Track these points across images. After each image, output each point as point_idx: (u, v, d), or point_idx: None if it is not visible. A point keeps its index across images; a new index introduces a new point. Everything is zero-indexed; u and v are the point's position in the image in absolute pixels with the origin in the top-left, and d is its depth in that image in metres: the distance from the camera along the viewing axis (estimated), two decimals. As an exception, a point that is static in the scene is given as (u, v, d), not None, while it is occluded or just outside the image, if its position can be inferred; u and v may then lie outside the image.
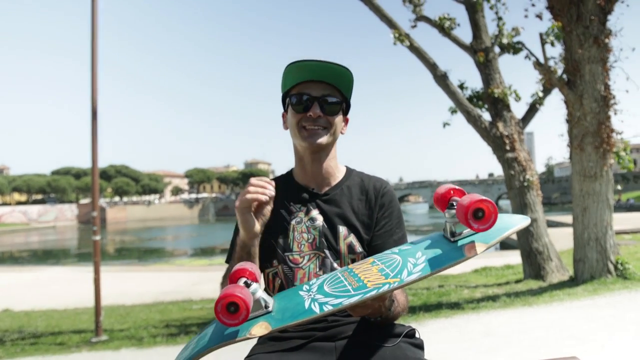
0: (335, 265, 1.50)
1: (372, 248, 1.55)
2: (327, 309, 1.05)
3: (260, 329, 1.04)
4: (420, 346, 1.50)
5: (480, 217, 1.01)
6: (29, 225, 78.75)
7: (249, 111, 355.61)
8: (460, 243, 1.07)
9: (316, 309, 1.05)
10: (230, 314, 1.01)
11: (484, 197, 1.02)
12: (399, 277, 1.06)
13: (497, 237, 1.03)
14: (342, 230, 1.53)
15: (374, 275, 1.10)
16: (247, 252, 1.40)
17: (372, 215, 1.58)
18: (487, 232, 1.04)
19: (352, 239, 1.53)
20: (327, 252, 1.50)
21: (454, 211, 1.07)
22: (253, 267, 1.12)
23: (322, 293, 1.10)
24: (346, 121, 1.66)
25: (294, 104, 1.55)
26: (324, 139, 1.54)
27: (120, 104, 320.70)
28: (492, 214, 1.01)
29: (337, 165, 1.66)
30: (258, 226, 1.39)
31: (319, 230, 1.53)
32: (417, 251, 1.10)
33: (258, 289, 1.07)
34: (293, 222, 1.56)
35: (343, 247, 1.51)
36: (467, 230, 1.09)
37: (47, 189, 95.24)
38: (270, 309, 1.08)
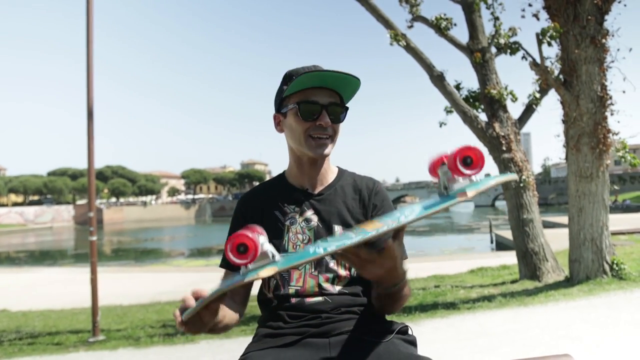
0: (331, 264, 1.50)
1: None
2: (331, 248, 1.07)
3: (268, 271, 1.05)
4: (413, 342, 1.51)
5: (470, 162, 1.05)
6: (25, 226, 78.50)
7: (246, 112, 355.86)
8: (452, 193, 1.10)
9: (320, 250, 1.07)
10: (239, 254, 1.04)
11: (471, 145, 1.06)
12: (396, 220, 1.09)
13: (486, 184, 1.07)
14: (338, 229, 1.54)
15: (373, 224, 1.13)
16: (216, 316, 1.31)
17: (366, 213, 1.60)
18: (477, 182, 1.08)
19: None
20: None
21: (445, 167, 1.09)
22: (256, 227, 1.11)
23: (326, 242, 1.12)
24: None
25: (302, 112, 1.52)
26: (329, 150, 1.57)
27: (116, 105, 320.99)
28: (480, 159, 1.05)
29: (330, 166, 1.67)
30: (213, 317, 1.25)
31: (314, 230, 1.54)
32: (414, 205, 1.13)
33: (265, 241, 1.08)
34: (287, 222, 1.56)
35: None
36: (458, 184, 1.11)
37: (44, 190, 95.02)
38: (277, 259, 1.09)
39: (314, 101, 1.51)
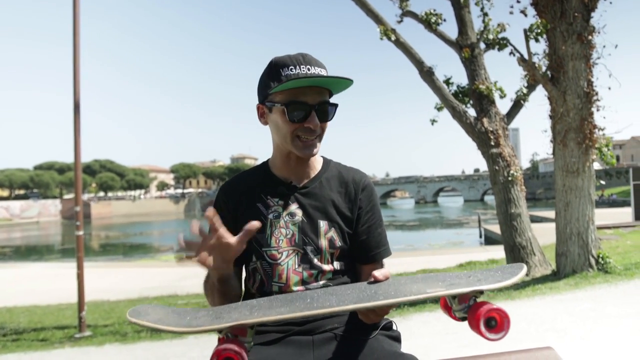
0: (315, 261, 1.48)
1: (357, 243, 1.55)
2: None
3: None
4: (397, 338, 1.51)
5: (494, 325, 1.05)
6: (11, 221, 77.74)
7: (236, 106, 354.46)
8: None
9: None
10: None
11: (495, 306, 1.05)
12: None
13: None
14: (323, 225, 1.51)
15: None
16: (226, 282, 1.38)
17: (352, 208, 1.56)
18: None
19: (333, 233, 1.51)
20: (306, 248, 1.48)
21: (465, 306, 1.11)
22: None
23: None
24: None
25: (289, 113, 1.45)
26: (317, 149, 1.52)
27: (104, 98, 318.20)
28: (504, 322, 1.05)
29: (315, 157, 1.61)
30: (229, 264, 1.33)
31: (298, 226, 1.50)
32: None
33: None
34: (270, 216, 1.52)
35: (324, 242, 1.49)
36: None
37: (30, 184, 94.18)
38: None
39: (303, 102, 1.45)
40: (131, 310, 1.14)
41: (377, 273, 1.21)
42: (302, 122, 1.46)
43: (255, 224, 1.25)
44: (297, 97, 1.45)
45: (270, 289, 1.47)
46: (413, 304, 6.40)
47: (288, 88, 1.44)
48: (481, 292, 1.10)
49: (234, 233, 1.43)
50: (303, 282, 1.46)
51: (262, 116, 1.57)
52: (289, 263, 1.47)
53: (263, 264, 1.49)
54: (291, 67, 1.45)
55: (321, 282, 1.47)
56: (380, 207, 1.64)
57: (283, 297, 1.20)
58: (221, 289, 1.38)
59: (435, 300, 4.95)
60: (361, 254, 1.57)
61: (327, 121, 1.51)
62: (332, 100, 1.54)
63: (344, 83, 1.48)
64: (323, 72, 1.47)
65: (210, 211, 1.23)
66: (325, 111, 1.49)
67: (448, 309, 1.17)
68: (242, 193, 1.59)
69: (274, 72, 1.47)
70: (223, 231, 1.25)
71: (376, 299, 1.08)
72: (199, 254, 1.24)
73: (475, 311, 1.05)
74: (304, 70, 1.44)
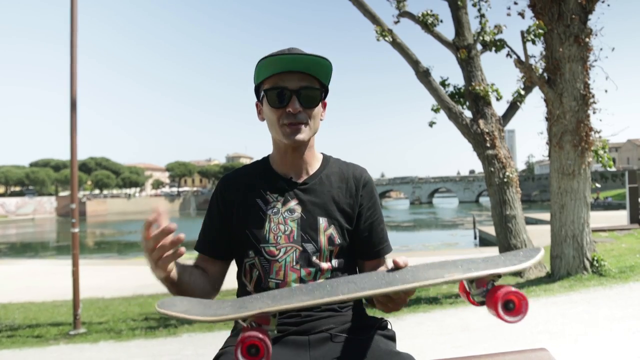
0: (313, 258, 1.47)
1: (360, 240, 1.56)
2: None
3: None
4: (392, 338, 1.51)
5: (512, 308, 1.04)
6: (6, 218, 77.52)
7: (232, 105, 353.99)
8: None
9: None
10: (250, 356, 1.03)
11: (514, 289, 1.05)
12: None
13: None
14: (322, 222, 1.50)
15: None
16: (166, 280, 1.33)
17: (353, 205, 1.56)
18: None
19: (333, 230, 1.50)
20: (305, 245, 1.47)
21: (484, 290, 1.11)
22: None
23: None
24: (324, 105, 1.59)
25: (270, 99, 1.47)
26: (305, 135, 1.49)
27: (100, 96, 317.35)
28: (522, 305, 1.04)
29: (314, 153, 1.61)
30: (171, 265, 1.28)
31: (297, 222, 1.49)
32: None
33: None
34: (269, 212, 1.51)
35: (323, 239, 1.48)
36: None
37: (26, 181, 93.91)
38: None
39: (281, 87, 1.45)
40: (160, 302, 1.15)
41: (398, 259, 1.20)
42: (283, 106, 1.45)
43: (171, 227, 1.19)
44: (277, 83, 1.45)
45: (267, 286, 1.46)
46: (407, 304, 6.40)
47: (269, 74, 1.46)
48: (499, 276, 1.12)
49: (231, 226, 1.43)
50: (301, 279, 1.45)
51: (260, 113, 1.58)
52: (287, 260, 1.46)
53: (261, 259, 1.48)
54: (274, 57, 1.46)
55: (319, 281, 1.46)
56: (380, 203, 1.65)
57: (304, 286, 1.21)
58: (171, 289, 1.36)
59: (429, 301, 4.98)
60: (364, 250, 1.58)
61: (311, 107, 1.49)
62: (322, 88, 1.53)
63: (324, 67, 1.47)
64: (306, 53, 1.46)
65: (160, 208, 1.20)
66: (309, 96, 1.47)
67: (466, 294, 1.18)
68: (241, 187, 1.58)
69: (260, 64, 1.47)
70: (166, 229, 1.18)
71: (395, 285, 1.10)
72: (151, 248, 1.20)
73: (493, 294, 1.06)
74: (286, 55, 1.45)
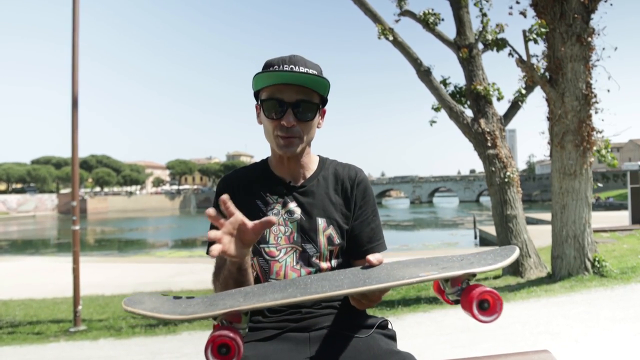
0: (313, 259, 1.48)
1: (350, 238, 1.56)
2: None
3: None
4: (392, 337, 1.51)
5: (486, 307, 1.04)
6: (8, 215, 77.67)
7: (232, 104, 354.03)
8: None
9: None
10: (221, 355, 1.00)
11: (488, 288, 1.05)
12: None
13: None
14: (321, 222, 1.51)
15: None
16: (245, 271, 1.32)
17: (349, 204, 1.57)
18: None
19: (331, 230, 1.51)
20: (305, 246, 1.48)
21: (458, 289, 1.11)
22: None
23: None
24: (323, 113, 1.59)
25: (266, 110, 1.47)
26: (299, 148, 1.50)
27: (101, 96, 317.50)
28: (497, 305, 1.05)
29: (311, 156, 1.63)
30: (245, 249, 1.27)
31: (297, 223, 1.51)
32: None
33: None
34: (269, 213, 1.52)
35: (322, 239, 1.50)
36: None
37: (27, 179, 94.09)
38: None
39: (279, 99, 1.45)
40: (127, 299, 1.13)
41: (372, 257, 1.21)
42: (278, 119, 1.46)
43: (274, 219, 1.22)
44: (274, 95, 1.45)
45: None
46: (407, 304, 6.41)
47: (268, 84, 1.46)
48: (474, 275, 1.11)
49: None
50: None
51: (258, 116, 1.58)
52: (287, 260, 1.48)
53: (260, 260, 1.49)
54: (275, 66, 1.45)
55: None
56: (376, 204, 1.65)
57: (277, 283, 1.20)
58: (239, 279, 1.32)
59: (429, 300, 4.96)
60: (354, 249, 1.57)
61: (306, 121, 1.49)
62: (320, 101, 1.53)
63: (322, 84, 1.47)
64: (305, 71, 1.45)
65: (225, 196, 1.20)
66: (305, 110, 1.47)
67: (441, 292, 1.18)
68: (241, 188, 1.59)
69: (263, 69, 1.48)
70: (240, 215, 1.21)
71: (369, 284, 1.08)
72: (222, 242, 1.18)
73: (467, 294, 1.06)
74: (286, 69, 1.43)
